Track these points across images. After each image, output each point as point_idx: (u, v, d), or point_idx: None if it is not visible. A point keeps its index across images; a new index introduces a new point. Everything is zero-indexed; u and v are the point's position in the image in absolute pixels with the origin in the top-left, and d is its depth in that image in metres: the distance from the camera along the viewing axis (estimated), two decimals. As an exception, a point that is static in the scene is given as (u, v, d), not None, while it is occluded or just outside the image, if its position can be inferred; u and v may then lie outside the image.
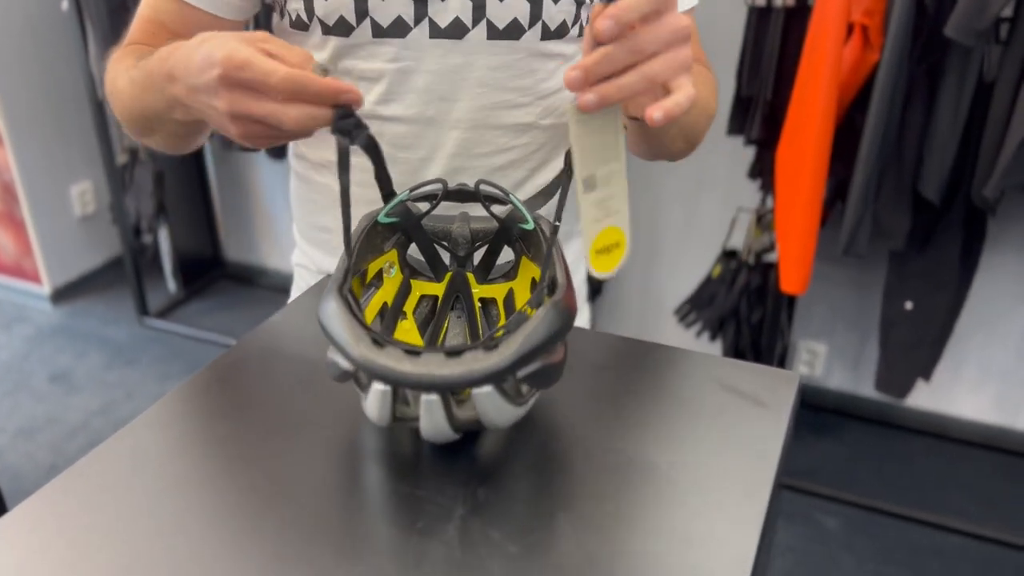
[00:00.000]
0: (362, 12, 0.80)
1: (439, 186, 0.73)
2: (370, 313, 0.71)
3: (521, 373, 0.57)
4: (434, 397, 0.56)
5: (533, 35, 0.83)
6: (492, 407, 0.58)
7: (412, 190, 0.73)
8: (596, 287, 2.50)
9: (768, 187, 2.08)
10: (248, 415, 0.71)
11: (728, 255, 2.20)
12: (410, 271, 0.76)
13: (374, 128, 0.87)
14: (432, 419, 0.58)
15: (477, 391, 0.56)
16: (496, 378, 0.55)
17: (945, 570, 1.97)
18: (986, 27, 1.52)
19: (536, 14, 0.82)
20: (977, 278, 2.07)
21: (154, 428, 0.69)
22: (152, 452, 0.66)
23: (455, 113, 0.85)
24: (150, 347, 2.83)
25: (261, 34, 0.62)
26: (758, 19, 1.90)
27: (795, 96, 1.73)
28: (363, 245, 0.70)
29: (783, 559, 1.99)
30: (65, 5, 2.55)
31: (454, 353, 0.55)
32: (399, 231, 0.74)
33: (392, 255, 0.74)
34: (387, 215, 0.71)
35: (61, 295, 3.10)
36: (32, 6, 2.80)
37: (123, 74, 0.78)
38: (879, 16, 1.65)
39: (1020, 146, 1.58)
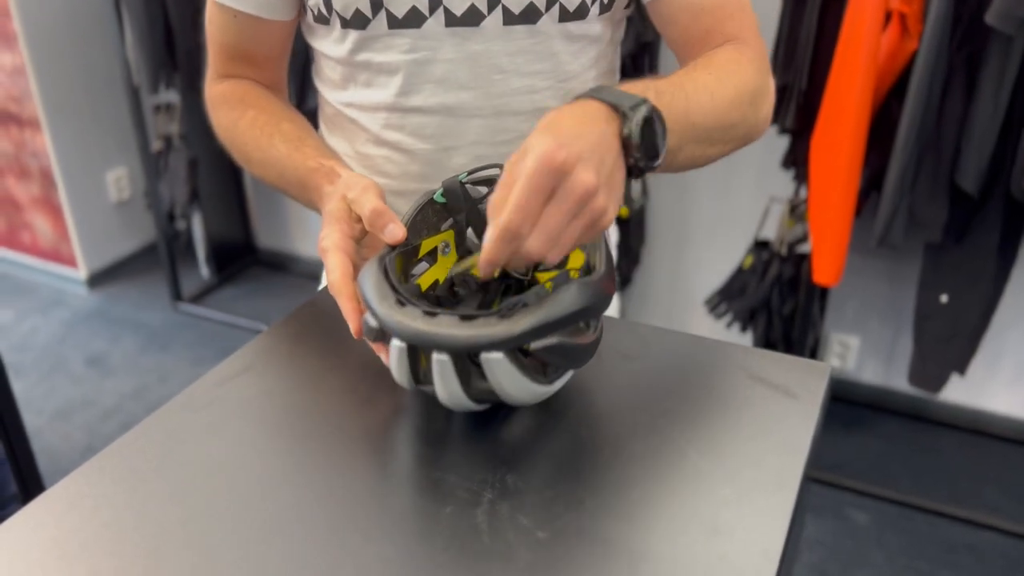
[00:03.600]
0: (377, 4, 0.80)
1: (496, 171, 0.73)
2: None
3: (535, 345, 0.57)
4: (444, 357, 0.58)
5: (550, 18, 0.82)
6: (503, 376, 0.58)
7: (470, 173, 0.73)
8: (625, 277, 2.49)
9: (802, 177, 2.05)
10: (278, 400, 0.72)
11: (760, 245, 2.18)
12: (466, 252, 0.77)
13: (395, 120, 0.87)
14: (444, 380, 0.59)
15: (486, 356, 0.57)
16: (502, 345, 0.56)
17: (978, 567, 1.94)
18: (1029, 14, 1.49)
19: None
20: (1015, 271, 2.03)
21: (187, 411, 0.70)
22: (185, 435, 0.67)
23: (475, 101, 0.85)
24: (183, 332, 2.87)
25: (362, 201, 0.72)
26: (794, 6, 1.87)
27: (831, 85, 1.70)
28: (418, 221, 0.71)
29: (812, 553, 1.98)
30: (102, -7, 2.58)
31: (468, 317, 0.57)
32: (458, 212, 0.75)
33: (449, 235, 0.75)
34: (443, 195, 0.71)
35: (97, 280, 3.15)
36: (70, -6, 2.84)
37: (251, 140, 0.88)
38: (918, 3, 1.62)
39: (1062, 137, 1.55)
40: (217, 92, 0.94)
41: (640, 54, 2.19)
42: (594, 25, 0.85)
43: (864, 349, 2.43)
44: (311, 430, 0.67)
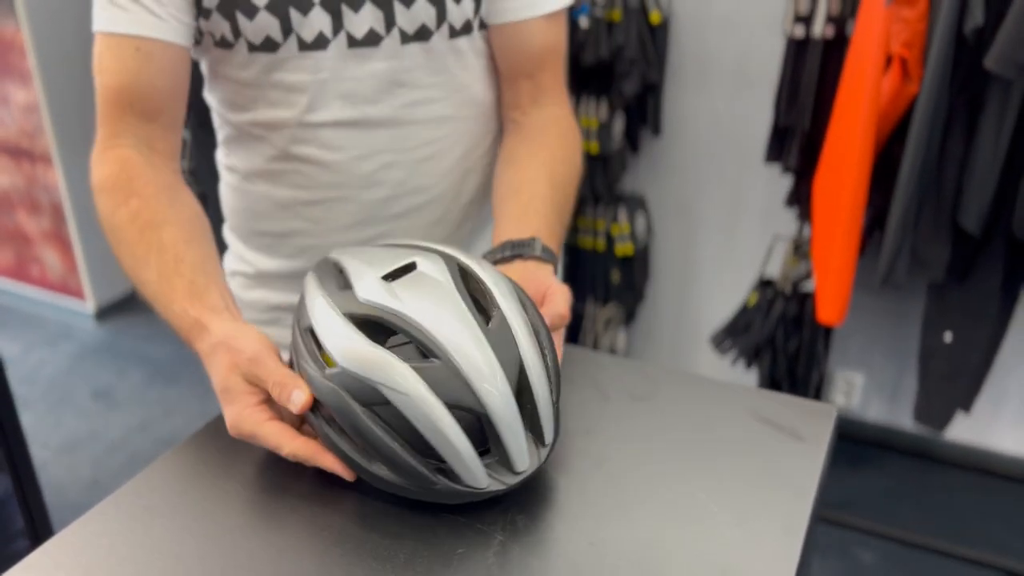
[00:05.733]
0: (287, 30, 0.85)
1: None
2: None
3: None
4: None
5: (441, 35, 0.90)
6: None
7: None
8: (630, 313, 2.50)
9: (805, 215, 2.07)
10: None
11: (764, 283, 2.19)
12: None
13: (304, 135, 0.91)
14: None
15: None
16: None
17: (985, 608, 1.93)
18: (1028, 60, 1.52)
19: (441, 17, 0.89)
20: (1018, 310, 2.04)
21: (202, 450, 0.71)
22: (194, 477, 0.68)
23: (380, 113, 0.91)
24: (189, 366, 2.88)
25: (261, 370, 0.67)
26: (796, 50, 1.91)
27: (833, 126, 1.73)
28: None
29: (818, 592, 1.97)
30: (117, 32, 2.63)
31: None
32: None
33: None
34: None
35: (105, 313, 3.17)
36: (87, 31, 2.88)
37: (127, 241, 0.80)
38: (918, 48, 1.65)
39: (1062, 179, 1.57)
40: (102, 175, 0.86)
41: (644, 95, 2.23)
42: (478, 40, 0.94)
43: (869, 386, 2.43)
44: (320, 472, 0.68)
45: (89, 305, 3.13)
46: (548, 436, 0.65)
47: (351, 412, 0.60)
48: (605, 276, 2.41)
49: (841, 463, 2.36)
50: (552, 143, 0.96)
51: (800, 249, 2.11)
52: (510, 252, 0.82)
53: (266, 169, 0.95)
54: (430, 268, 0.66)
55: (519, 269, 0.80)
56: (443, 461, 0.61)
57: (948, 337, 1.96)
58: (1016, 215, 1.71)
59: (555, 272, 0.82)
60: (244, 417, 0.66)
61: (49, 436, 2.52)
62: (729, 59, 2.22)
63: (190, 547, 0.61)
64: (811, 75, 1.88)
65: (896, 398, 2.40)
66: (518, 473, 0.63)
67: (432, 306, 0.63)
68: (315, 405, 0.63)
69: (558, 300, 0.76)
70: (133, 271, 0.80)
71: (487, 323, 0.63)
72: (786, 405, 0.78)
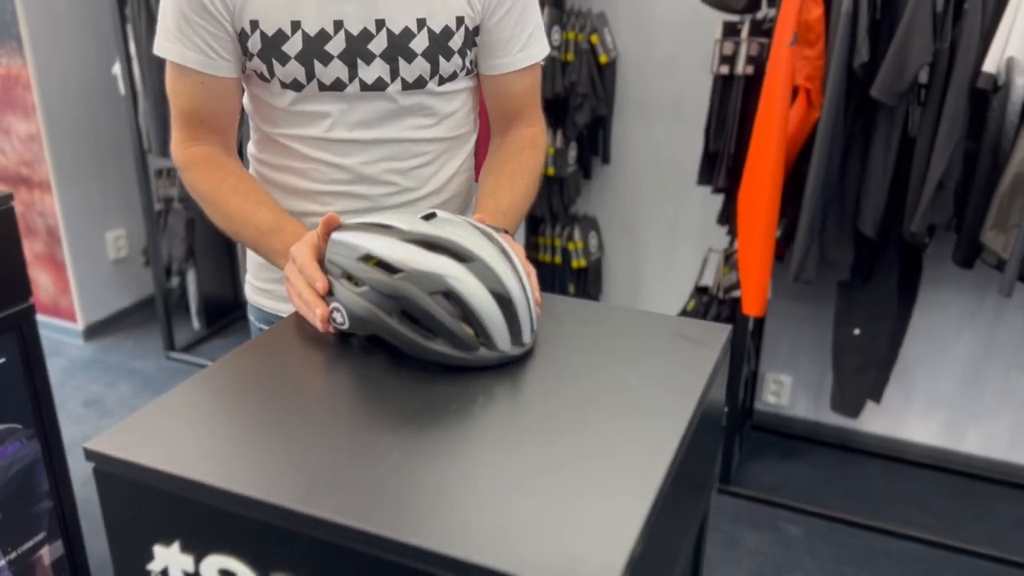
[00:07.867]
0: (310, 75, 1.12)
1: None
2: None
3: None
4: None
5: (434, 83, 1.17)
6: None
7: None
8: (585, 323, 2.77)
9: (734, 232, 2.37)
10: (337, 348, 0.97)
11: (700, 291, 2.48)
12: None
13: (322, 145, 1.20)
14: None
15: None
16: None
17: (896, 571, 2.20)
18: (904, 89, 1.84)
19: (435, 70, 1.15)
20: (922, 313, 2.35)
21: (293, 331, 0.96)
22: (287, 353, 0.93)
23: (385, 134, 1.18)
24: (176, 377, 3.08)
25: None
26: (722, 86, 2.22)
27: (752, 149, 2.03)
28: None
29: (752, 560, 2.22)
30: (116, 69, 2.88)
31: None
32: None
33: None
34: None
35: (93, 332, 3.35)
36: (87, 70, 3.15)
37: (235, 203, 1.13)
38: (818, 81, 1.97)
39: (936, 191, 1.88)
40: (192, 154, 1.15)
41: (595, 125, 2.53)
42: (462, 82, 1.20)
43: (796, 386, 2.72)
44: (370, 361, 0.93)
45: (78, 324, 3.31)
46: (527, 336, 0.91)
47: (422, 298, 0.85)
48: (562, 288, 2.69)
49: (772, 454, 2.64)
50: (522, 155, 1.26)
51: (730, 260, 2.40)
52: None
53: (291, 166, 1.21)
54: (446, 215, 0.93)
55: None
56: (480, 335, 0.87)
57: (856, 331, 2.26)
58: (905, 221, 2.02)
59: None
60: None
61: (45, 439, 2.69)
62: (668, 95, 2.54)
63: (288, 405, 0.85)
64: (735, 107, 2.19)
65: (820, 396, 2.69)
66: (524, 344, 0.90)
67: (461, 231, 0.89)
68: (381, 306, 0.87)
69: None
70: (242, 219, 1.11)
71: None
72: (694, 325, 1.04)
